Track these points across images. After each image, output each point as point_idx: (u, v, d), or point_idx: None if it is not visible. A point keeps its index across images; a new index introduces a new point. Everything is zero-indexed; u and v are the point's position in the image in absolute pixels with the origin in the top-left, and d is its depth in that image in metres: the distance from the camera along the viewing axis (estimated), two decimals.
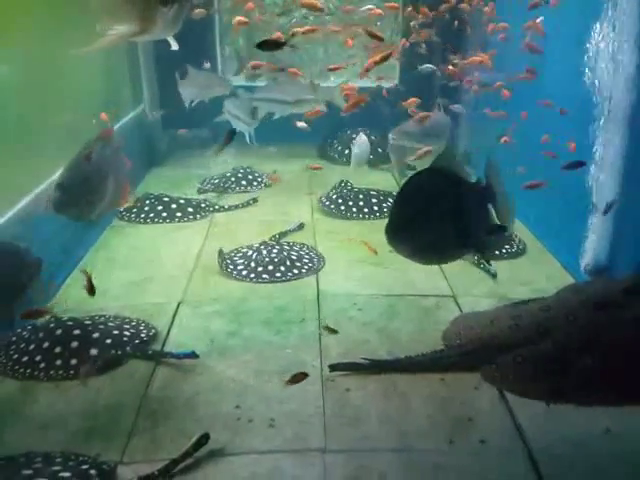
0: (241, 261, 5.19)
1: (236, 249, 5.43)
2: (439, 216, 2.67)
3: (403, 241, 2.78)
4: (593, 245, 4.52)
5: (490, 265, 5.00)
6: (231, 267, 5.11)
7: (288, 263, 5.12)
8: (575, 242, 4.71)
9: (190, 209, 6.36)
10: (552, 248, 5.52)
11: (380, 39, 4.28)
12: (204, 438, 3.09)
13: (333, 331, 4.07)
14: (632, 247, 4.23)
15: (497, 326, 3.89)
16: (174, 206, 6.35)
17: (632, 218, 4.22)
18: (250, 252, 5.30)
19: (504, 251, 5.42)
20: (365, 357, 3.80)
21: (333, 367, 3.75)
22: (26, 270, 3.98)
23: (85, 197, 3.46)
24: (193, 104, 6.75)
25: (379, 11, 5.62)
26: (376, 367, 3.78)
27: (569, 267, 5.07)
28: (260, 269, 5.05)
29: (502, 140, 5.37)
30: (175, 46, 3.69)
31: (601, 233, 4.43)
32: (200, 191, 7.03)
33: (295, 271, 5.08)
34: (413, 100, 5.81)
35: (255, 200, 6.61)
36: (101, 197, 3.63)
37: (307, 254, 5.38)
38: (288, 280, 4.98)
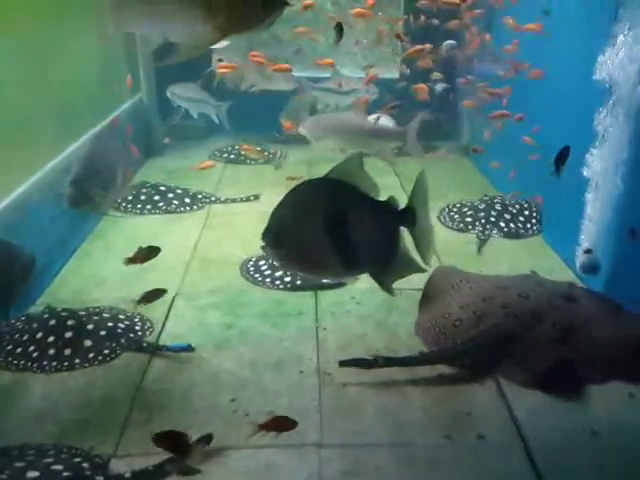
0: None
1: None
2: (318, 231, 2.37)
3: (275, 251, 2.48)
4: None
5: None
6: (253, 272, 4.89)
7: None
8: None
9: (187, 199, 6.32)
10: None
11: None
12: (206, 438, 3.02)
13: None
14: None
15: (490, 314, 3.88)
16: (171, 195, 6.32)
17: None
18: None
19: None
20: (376, 355, 3.65)
21: (342, 363, 3.63)
22: (20, 268, 3.97)
23: (98, 191, 3.50)
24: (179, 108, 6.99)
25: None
26: (388, 364, 3.63)
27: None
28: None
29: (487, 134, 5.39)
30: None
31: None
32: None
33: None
34: (422, 87, 5.83)
35: (257, 197, 6.47)
36: (113, 189, 3.66)
37: None
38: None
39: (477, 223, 5.77)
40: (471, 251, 5.35)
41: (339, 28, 3.96)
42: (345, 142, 4.90)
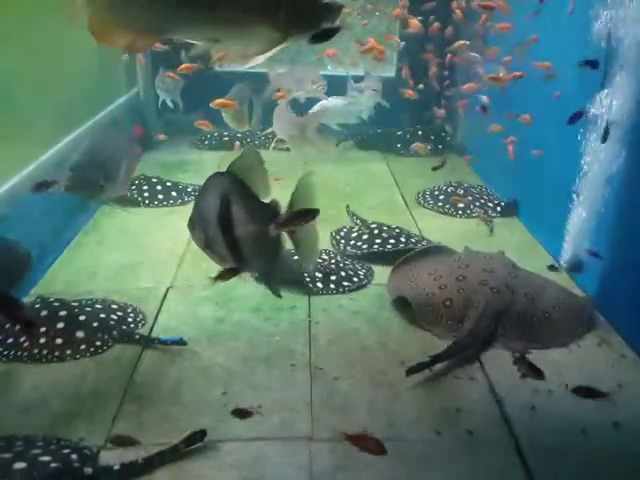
0: None
1: None
2: (213, 225, 2.45)
3: (192, 236, 2.59)
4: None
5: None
6: None
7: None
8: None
9: (174, 192, 6.32)
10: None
11: None
12: (199, 434, 3.00)
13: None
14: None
15: (476, 292, 4.14)
16: (160, 188, 6.34)
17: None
18: None
19: None
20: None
21: (410, 371, 3.55)
22: (16, 265, 3.97)
23: (97, 179, 3.50)
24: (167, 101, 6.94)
25: None
26: (445, 358, 3.69)
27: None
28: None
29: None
30: None
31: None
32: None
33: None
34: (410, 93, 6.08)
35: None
36: (113, 180, 3.65)
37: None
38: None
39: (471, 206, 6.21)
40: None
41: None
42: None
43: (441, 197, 6.41)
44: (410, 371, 3.54)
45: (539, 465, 3.00)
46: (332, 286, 4.59)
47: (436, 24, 6.55)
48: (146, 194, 6.22)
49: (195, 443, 2.99)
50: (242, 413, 3.25)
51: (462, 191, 6.45)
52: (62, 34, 5.33)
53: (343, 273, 4.72)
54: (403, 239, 5.15)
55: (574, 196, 4.51)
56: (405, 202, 6.47)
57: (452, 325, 4.05)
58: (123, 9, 2.19)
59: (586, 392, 3.41)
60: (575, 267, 4.47)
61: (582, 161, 4.39)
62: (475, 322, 3.92)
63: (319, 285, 4.58)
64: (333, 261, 4.87)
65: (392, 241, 5.11)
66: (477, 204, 6.23)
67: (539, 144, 5.23)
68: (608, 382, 3.60)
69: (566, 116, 4.24)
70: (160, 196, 6.24)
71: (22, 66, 4.65)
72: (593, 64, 3.89)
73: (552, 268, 4.76)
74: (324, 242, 5.34)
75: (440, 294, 4.21)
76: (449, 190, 6.51)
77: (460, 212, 6.17)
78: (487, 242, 5.41)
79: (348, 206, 6.01)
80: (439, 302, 4.16)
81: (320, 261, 4.80)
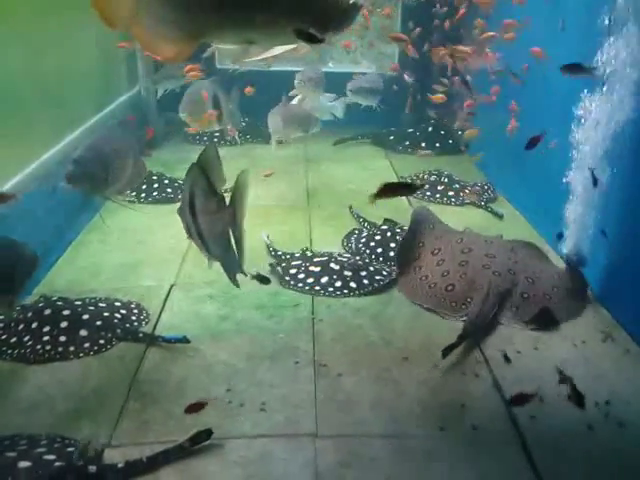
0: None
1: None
2: (186, 214, 2.66)
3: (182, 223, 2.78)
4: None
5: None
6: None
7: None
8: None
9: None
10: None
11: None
12: (205, 434, 2.99)
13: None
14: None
15: (480, 275, 4.36)
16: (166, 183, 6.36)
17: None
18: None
19: None
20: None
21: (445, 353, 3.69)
22: (23, 266, 3.95)
23: (99, 174, 3.48)
24: (166, 92, 6.75)
25: None
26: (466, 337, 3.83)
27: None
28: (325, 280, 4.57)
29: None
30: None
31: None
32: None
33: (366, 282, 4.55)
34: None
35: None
36: (117, 176, 3.63)
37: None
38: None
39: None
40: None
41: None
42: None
43: (425, 186, 6.57)
44: (445, 353, 3.66)
45: (545, 461, 2.99)
46: (366, 281, 4.52)
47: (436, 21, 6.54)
48: (154, 192, 6.25)
49: (201, 442, 2.98)
50: (194, 407, 3.20)
51: (446, 179, 6.65)
52: (64, 33, 5.34)
53: (371, 268, 4.67)
54: None
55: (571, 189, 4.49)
56: (408, 199, 6.48)
57: (456, 307, 4.24)
58: (169, 18, 2.25)
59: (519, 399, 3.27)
60: (578, 262, 4.44)
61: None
62: (481, 303, 4.11)
63: (352, 285, 4.50)
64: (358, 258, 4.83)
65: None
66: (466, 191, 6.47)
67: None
68: (613, 377, 3.59)
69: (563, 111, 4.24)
70: (163, 193, 6.25)
71: (23, 65, 4.65)
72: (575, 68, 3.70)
73: (559, 236, 4.63)
74: (333, 242, 5.35)
75: (442, 281, 4.40)
76: (432, 179, 6.69)
77: (453, 200, 6.33)
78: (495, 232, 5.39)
79: (351, 207, 5.97)
80: (442, 287, 4.35)
81: (345, 260, 4.74)
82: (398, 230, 5.26)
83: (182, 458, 2.94)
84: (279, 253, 5.00)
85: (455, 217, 5.67)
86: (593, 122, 4.13)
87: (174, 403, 3.34)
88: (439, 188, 6.49)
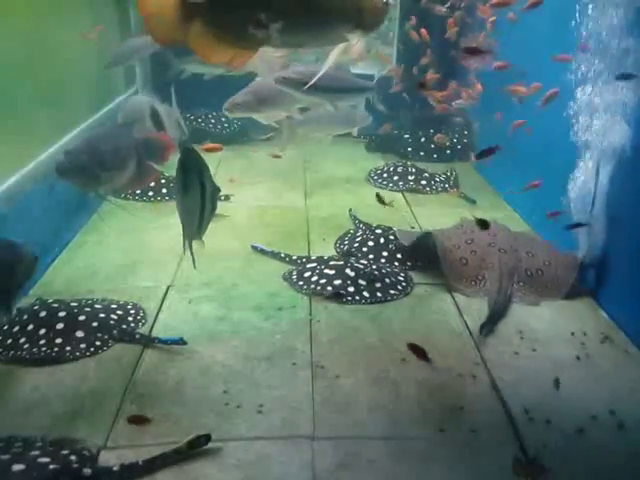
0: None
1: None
2: None
3: None
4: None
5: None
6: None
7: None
8: None
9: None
10: None
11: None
12: (203, 438, 2.96)
13: None
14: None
15: (487, 253, 4.72)
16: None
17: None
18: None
19: None
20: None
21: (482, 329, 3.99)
22: (23, 268, 3.93)
23: (91, 168, 3.40)
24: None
25: None
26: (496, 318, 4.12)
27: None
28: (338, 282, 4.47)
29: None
30: None
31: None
32: None
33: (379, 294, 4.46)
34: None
35: (227, 197, 6.17)
36: (112, 173, 3.56)
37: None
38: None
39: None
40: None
41: None
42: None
43: (395, 177, 6.90)
44: (483, 330, 3.97)
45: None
46: (379, 294, 4.43)
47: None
48: (150, 192, 6.24)
49: (199, 447, 2.95)
50: (137, 420, 3.15)
51: (413, 169, 6.99)
52: (62, 33, 5.32)
53: (387, 280, 4.56)
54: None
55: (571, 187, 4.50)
56: (405, 198, 6.48)
57: (469, 282, 4.56)
58: (224, 26, 2.33)
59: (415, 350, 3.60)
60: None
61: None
62: (499, 281, 4.41)
63: (365, 294, 4.42)
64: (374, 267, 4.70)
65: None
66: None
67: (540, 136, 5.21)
68: (612, 379, 3.59)
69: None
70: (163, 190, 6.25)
71: (24, 65, 4.63)
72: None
73: (573, 227, 4.63)
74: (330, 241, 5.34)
75: (456, 252, 4.73)
76: (399, 170, 7.00)
77: (428, 188, 6.74)
78: None
79: (351, 210, 5.92)
80: (456, 258, 4.69)
81: (361, 267, 4.63)
82: (392, 237, 5.15)
83: (179, 461, 2.92)
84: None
85: (434, 203, 6.17)
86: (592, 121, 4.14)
87: (171, 404, 3.32)
88: (410, 178, 6.84)
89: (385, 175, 7.03)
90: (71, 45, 5.58)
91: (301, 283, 4.55)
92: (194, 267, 3.12)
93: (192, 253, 3.05)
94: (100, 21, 6.39)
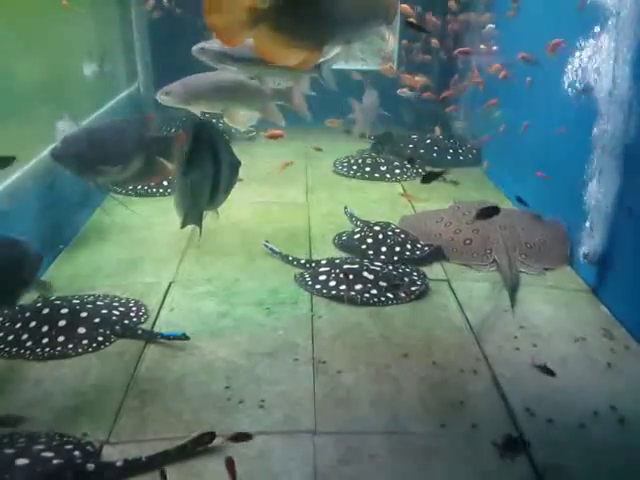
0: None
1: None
2: None
3: None
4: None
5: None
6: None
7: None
8: None
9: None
10: None
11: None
12: (208, 436, 2.95)
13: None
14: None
15: (489, 229, 5.12)
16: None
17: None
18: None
19: None
20: None
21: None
22: (28, 265, 3.94)
23: (87, 156, 3.37)
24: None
25: None
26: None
27: None
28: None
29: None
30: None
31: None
32: None
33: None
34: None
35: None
36: (111, 165, 3.53)
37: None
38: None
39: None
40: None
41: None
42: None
43: (367, 169, 7.06)
44: (513, 303, 4.25)
45: (544, 457, 2.98)
46: (402, 294, 4.37)
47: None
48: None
49: (203, 444, 2.95)
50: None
51: (382, 159, 7.20)
52: (63, 30, 5.33)
53: (407, 279, 4.52)
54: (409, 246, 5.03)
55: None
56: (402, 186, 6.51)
57: (477, 257, 4.91)
58: (292, 28, 2.45)
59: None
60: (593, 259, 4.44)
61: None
62: (506, 256, 4.74)
63: (389, 295, 4.37)
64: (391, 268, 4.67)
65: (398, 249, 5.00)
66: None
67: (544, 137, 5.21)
68: (613, 374, 3.59)
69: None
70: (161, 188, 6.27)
71: (26, 61, 4.64)
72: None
73: None
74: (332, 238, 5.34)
75: (458, 236, 5.09)
76: (367, 161, 7.17)
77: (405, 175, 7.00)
78: None
79: (346, 207, 5.89)
80: (461, 242, 5.04)
81: (378, 268, 4.61)
82: (390, 233, 5.16)
83: (182, 458, 2.93)
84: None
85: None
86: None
87: (173, 400, 3.33)
88: (382, 168, 7.09)
89: (355, 167, 7.14)
90: (73, 42, 5.59)
91: (318, 287, 4.47)
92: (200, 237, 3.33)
93: (201, 225, 3.16)
94: (100, 21, 6.41)
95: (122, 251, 5.08)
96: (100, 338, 3.77)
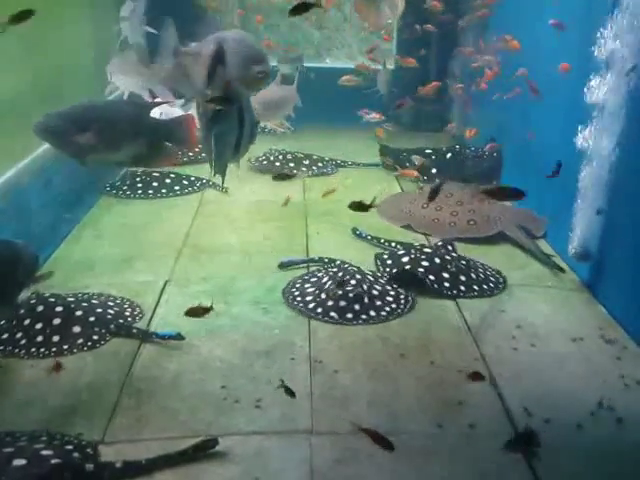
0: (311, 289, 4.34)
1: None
2: None
3: None
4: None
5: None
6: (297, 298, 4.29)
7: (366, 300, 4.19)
8: None
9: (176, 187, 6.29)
10: None
11: None
12: (211, 442, 2.91)
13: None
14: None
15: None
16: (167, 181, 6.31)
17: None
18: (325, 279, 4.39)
19: None
20: None
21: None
22: (24, 268, 3.90)
23: (69, 130, 3.24)
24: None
25: None
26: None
27: None
28: (330, 304, 4.14)
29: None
30: None
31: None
32: None
33: (372, 313, 4.12)
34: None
35: (225, 190, 6.18)
36: (99, 144, 3.39)
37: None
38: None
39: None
40: None
41: None
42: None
43: (291, 164, 7.06)
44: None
45: (542, 458, 2.96)
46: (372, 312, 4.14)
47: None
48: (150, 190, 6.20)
49: (205, 451, 2.91)
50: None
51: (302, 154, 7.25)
52: (60, 28, 5.29)
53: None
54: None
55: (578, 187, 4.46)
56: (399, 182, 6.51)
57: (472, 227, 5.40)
58: None
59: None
60: (581, 256, 4.42)
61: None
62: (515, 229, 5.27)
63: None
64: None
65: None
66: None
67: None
68: (611, 374, 3.58)
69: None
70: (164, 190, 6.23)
71: (21, 58, 4.61)
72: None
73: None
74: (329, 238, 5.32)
75: (440, 215, 5.57)
76: (288, 157, 7.17)
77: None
78: None
79: (355, 229, 5.42)
80: (447, 221, 5.50)
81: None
82: (423, 256, 4.67)
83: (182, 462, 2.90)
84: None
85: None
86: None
87: (169, 399, 3.31)
88: (305, 162, 7.18)
89: (278, 164, 7.00)
90: (70, 40, 5.56)
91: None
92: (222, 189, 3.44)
93: (223, 175, 3.32)
94: (100, 19, 6.38)
95: (118, 249, 5.05)
96: (95, 337, 3.74)
